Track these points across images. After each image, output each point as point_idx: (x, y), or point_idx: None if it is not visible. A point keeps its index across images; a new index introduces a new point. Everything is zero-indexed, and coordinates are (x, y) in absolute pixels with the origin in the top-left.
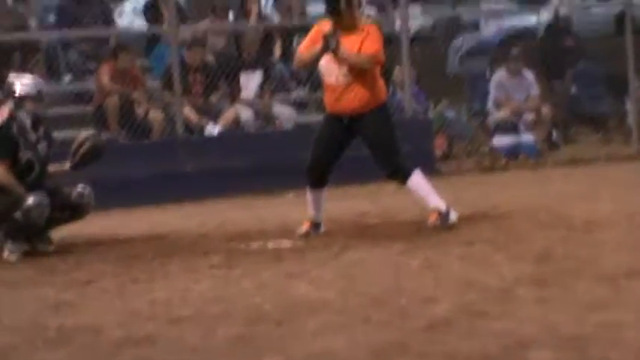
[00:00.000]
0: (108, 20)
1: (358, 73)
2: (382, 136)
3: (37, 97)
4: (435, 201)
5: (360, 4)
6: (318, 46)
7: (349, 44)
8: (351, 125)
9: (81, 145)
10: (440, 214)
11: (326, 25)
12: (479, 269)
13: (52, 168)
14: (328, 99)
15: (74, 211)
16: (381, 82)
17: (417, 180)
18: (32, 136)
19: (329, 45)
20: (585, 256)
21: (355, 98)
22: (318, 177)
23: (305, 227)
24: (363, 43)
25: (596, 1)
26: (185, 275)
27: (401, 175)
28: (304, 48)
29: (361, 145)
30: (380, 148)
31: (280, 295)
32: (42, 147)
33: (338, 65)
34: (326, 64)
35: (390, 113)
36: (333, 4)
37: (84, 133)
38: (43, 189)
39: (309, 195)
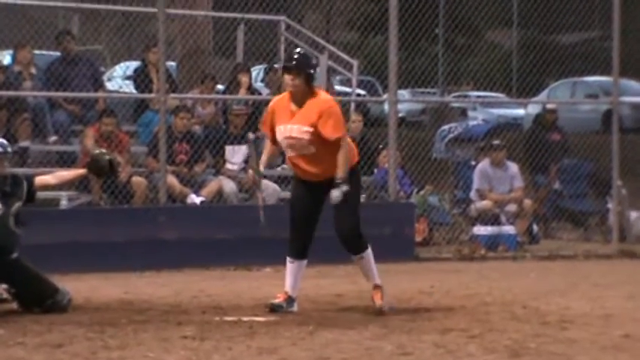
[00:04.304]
0: (97, 83)
1: (321, 146)
2: (348, 197)
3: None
4: (378, 279)
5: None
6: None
7: (304, 116)
8: (321, 185)
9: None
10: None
11: (276, 101)
12: (452, 359)
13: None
14: (295, 169)
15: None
16: (351, 145)
17: (369, 253)
18: None
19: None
20: (557, 353)
21: (322, 167)
22: (301, 242)
23: (280, 299)
24: (322, 121)
25: (584, 97)
26: (157, 344)
27: (356, 240)
28: (264, 128)
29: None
30: (343, 208)
31: None
32: None
33: (295, 142)
34: (285, 142)
35: (359, 177)
36: (295, 62)
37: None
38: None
39: (289, 267)
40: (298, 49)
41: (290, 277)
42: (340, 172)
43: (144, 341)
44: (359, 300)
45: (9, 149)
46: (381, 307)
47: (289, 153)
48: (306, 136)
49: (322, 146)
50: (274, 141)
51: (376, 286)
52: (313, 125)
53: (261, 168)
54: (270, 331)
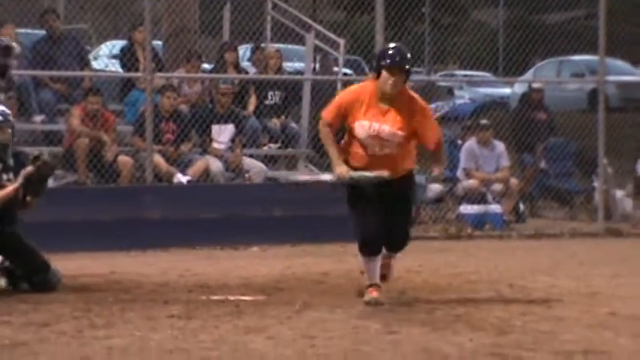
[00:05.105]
0: (83, 62)
1: (399, 147)
2: (407, 199)
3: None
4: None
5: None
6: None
7: (397, 117)
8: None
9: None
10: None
11: (356, 92)
12: (438, 337)
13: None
14: (360, 162)
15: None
16: (413, 152)
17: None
18: None
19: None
20: (543, 331)
21: (395, 166)
22: (376, 239)
23: (375, 293)
24: (421, 125)
25: (570, 77)
26: (144, 323)
27: (406, 242)
28: (330, 115)
29: (327, 204)
30: (402, 209)
31: (238, 351)
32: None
33: (382, 142)
34: (369, 140)
35: (414, 181)
36: (401, 61)
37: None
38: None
39: (368, 264)
40: (396, 45)
41: (373, 272)
42: (441, 169)
43: (130, 320)
44: (345, 279)
45: (10, 118)
46: (369, 301)
47: (367, 151)
48: (397, 139)
49: (403, 147)
50: (336, 131)
51: (379, 285)
52: (407, 129)
53: (351, 173)
54: (256, 310)
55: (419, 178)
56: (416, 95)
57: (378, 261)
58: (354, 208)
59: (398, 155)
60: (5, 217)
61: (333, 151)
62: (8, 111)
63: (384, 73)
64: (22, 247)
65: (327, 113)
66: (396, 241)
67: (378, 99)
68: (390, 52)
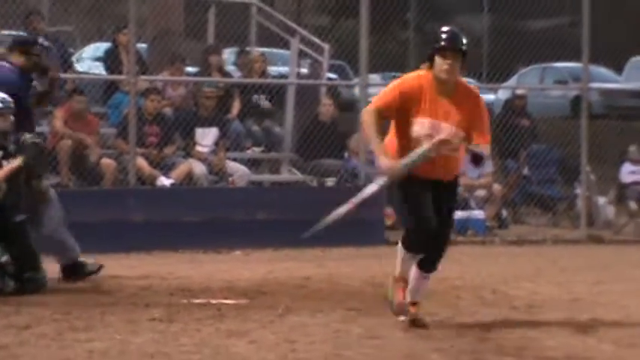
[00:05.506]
0: (66, 64)
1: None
2: (452, 210)
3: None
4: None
5: None
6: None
7: (457, 113)
8: (436, 184)
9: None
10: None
11: (417, 81)
12: (420, 342)
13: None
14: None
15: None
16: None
17: None
18: None
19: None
20: (526, 337)
21: (450, 167)
22: (436, 231)
23: (414, 310)
24: (476, 121)
25: (554, 83)
26: (124, 327)
27: (442, 256)
28: (383, 103)
29: (310, 208)
30: (447, 214)
31: (219, 354)
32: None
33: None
34: (428, 139)
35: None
36: (456, 42)
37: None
38: None
39: (409, 261)
40: (449, 27)
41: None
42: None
43: (111, 323)
44: (327, 283)
45: (11, 105)
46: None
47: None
48: (458, 140)
49: (460, 148)
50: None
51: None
52: (468, 127)
53: (402, 162)
54: (239, 314)
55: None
56: (472, 86)
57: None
58: (408, 200)
59: (452, 156)
60: (12, 207)
61: (378, 144)
62: (9, 98)
63: (437, 58)
64: (25, 241)
65: (379, 100)
66: (437, 252)
67: (436, 92)
68: (444, 34)
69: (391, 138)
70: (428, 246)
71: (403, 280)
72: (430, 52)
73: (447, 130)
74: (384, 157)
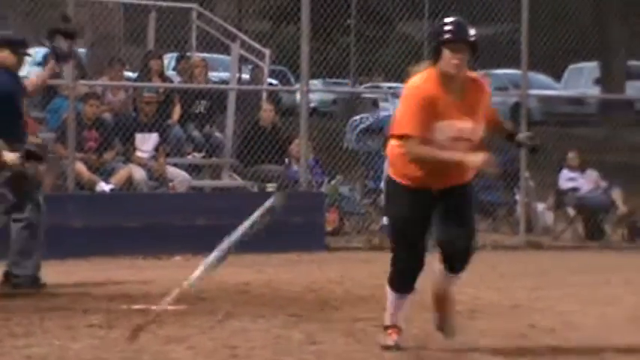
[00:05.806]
0: None
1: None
2: (471, 208)
3: None
4: None
5: None
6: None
7: (470, 109)
8: (437, 195)
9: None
10: None
11: (427, 84)
12: (360, 348)
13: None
14: (424, 170)
15: None
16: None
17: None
18: None
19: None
20: (465, 342)
21: (459, 170)
22: (412, 271)
23: (393, 337)
24: (483, 104)
25: (494, 90)
26: (63, 333)
27: (469, 255)
28: (416, 129)
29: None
30: (466, 216)
31: None
32: None
33: (463, 143)
34: (449, 142)
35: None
36: (465, 33)
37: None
38: None
39: (395, 300)
40: (455, 18)
41: (399, 310)
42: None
43: (49, 329)
44: (267, 288)
45: None
46: (388, 346)
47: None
48: (477, 136)
49: (479, 143)
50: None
51: (400, 328)
52: (481, 118)
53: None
54: (178, 320)
55: (343, 189)
56: (474, 74)
57: (407, 301)
58: (400, 232)
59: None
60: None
61: (449, 154)
62: None
63: (445, 52)
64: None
65: (408, 126)
66: (461, 253)
67: (445, 90)
68: (450, 25)
69: (392, 146)
70: (412, 282)
71: (395, 328)
72: (435, 44)
73: (468, 128)
74: (468, 156)
